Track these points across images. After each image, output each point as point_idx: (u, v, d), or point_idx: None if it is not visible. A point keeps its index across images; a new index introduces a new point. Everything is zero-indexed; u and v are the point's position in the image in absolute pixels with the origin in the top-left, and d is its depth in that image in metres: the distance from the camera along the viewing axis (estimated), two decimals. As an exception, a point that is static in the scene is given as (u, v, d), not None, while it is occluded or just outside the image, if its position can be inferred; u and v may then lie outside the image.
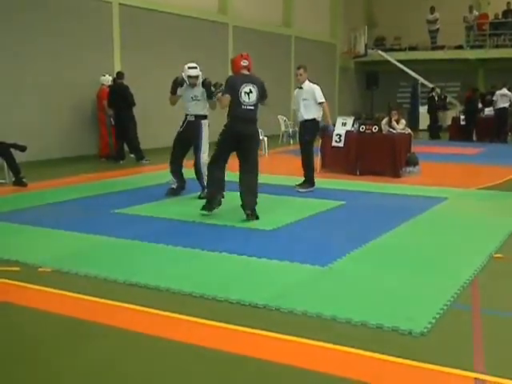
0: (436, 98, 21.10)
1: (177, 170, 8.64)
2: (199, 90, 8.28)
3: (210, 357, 3.42)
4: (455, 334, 3.76)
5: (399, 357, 3.36)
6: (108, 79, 13.06)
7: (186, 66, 8.32)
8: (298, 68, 9.34)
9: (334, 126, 9.52)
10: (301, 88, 9.22)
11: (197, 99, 8.32)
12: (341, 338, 3.62)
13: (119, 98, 12.54)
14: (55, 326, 3.89)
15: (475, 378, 3.14)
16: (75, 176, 10.46)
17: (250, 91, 7.07)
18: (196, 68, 8.26)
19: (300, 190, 8.98)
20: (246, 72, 7.22)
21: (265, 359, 3.37)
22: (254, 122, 7.21)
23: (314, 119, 9.10)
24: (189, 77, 8.23)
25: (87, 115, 13.30)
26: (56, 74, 12.48)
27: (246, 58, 7.30)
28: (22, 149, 9.69)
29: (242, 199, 7.06)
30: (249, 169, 7.12)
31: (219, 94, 7.54)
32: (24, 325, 3.96)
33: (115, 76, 12.93)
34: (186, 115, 8.45)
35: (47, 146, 12.34)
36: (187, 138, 8.40)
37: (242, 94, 7.01)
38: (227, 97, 7.03)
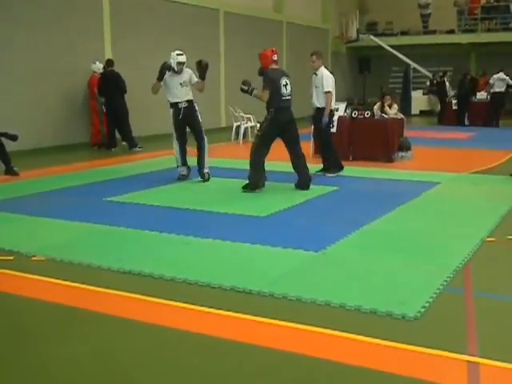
0: (433, 82, 21.05)
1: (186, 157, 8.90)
2: (186, 76, 8.53)
3: (204, 343, 3.43)
4: (448, 317, 3.78)
5: (393, 341, 3.38)
6: (99, 67, 12.97)
7: (175, 53, 8.52)
8: (311, 55, 9.31)
9: (333, 117, 9.53)
10: (315, 75, 9.24)
11: (185, 85, 8.52)
12: (335, 323, 3.64)
13: (110, 85, 12.47)
14: (49, 315, 3.89)
15: (468, 361, 3.16)
16: (67, 164, 10.42)
17: (286, 83, 7.80)
18: (183, 54, 8.54)
19: (328, 175, 9.13)
20: (275, 66, 7.88)
21: (259, 345, 3.39)
22: (291, 111, 7.93)
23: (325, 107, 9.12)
24: (178, 63, 8.43)
25: (78, 103, 13.21)
26: (46, 62, 12.38)
27: (276, 53, 7.91)
28: (13, 138, 9.62)
29: (301, 178, 7.99)
30: (299, 151, 8.01)
31: (255, 91, 7.91)
32: (18, 313, 3.95)
33: (105, 63, 12.85)
34: (177, 103, 8.50)
35: (39, 134, 12.26)
36: (184, 125, 8.64)
37: (282, 87, 7.71)
38: (267, 92, 7.64)
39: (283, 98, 7.74)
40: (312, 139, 11.25)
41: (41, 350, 3.37)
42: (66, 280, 4.45)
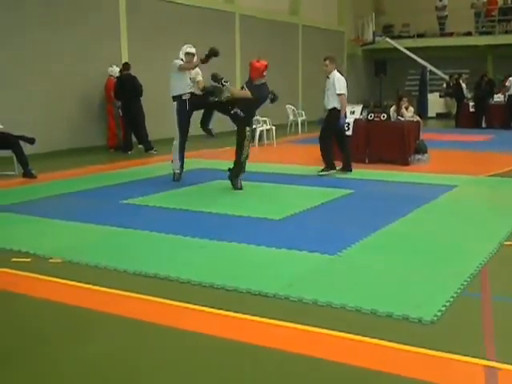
0: (450, 84, 20.91)
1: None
2: (194, 71, 8.79)
3: (219, 346, 3.43)
4: (465, 321, 3.75)
5: (409, 345, 3.36)
6: (116, 70, 13.05)
7: (185, 46, 8.80)
8: (324, 59, 9.61)
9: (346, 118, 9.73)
10: (328, 78, 9.50)
11: (193, 80, 8.81)
12: (351, 326, 3.62)
13: (127, 88, 12.54)
14: (66, 317, 3.91)
15: (485, 366, 3.13)
16: (84, 167, 10.48)
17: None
18: (193, 47, 8.82)
19: (319, 174, 9.37)
20: (263, 80, 8.12)
21: (275, 348, 3.38)
22: None
23: (335, 108, 9.37)
24: (187, 53, 8.69)
25: (95, 106, 13.31)
26: (63, 65, 12.48)
27: (267, 68, 8.10)
28: (31, 141, 9.72)
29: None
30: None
31: (228, 84, 8.18)
32: (35, 315, 3.98)
33: (122, 67, 12.92)
34: (181, 95, 8.65)
35: (55, 137, 12.36)
36: (190, 117, 8.87)
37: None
38: (247, 92, 8.00)
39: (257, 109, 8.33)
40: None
41: (57, 352, 3.38)
42: (82, 282, 4.48)
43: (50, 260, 5.06)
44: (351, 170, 9.61)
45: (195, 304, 4.01)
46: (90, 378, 3.09)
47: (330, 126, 9.50)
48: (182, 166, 8.94)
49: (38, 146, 10.13)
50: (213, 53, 8.51)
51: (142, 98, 12.82)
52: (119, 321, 3.81)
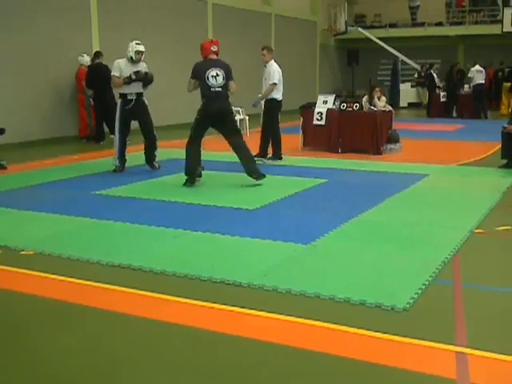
0: (421, 75, 21.09)
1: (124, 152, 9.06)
2: (142, 67, 8.64)
3: (195, 336, 3.43)
4: (437, 308, 3.80)
5: (382, 332, 3.40)
6: (87, 59, 12.89)
7: (133, 43, 8.61)
8: (262, 49, 9.88)
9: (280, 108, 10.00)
10: (265, 67, 9.77)
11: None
12: (324, 314, 3.65)
13: (99, 78, 12.38)
14: (39, 309, 3.88)
15: (457, 352, 3.19)
16: (55, 158, 10.36)
17: (217, 74, 7.67)
18: (142, 44, 8.66)
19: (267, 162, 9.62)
20: (214, 57, 7.82)
21: (249, 337, 3.39)
22: (226, 100, 7.82)
23: (273, 99, 9.67)
24: (137, 52, 8.54)
25: (66, 96, 13.13)
26: (33, 54, 12.28)
27: (215, 44, 7.91)
28: (0, 131, 9.56)
29: (246, 168, 7.82)
30: (239, 142, 7.89)
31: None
32: (7, 308, 3.93)
33: (93, 56, 12.77)
34: (126, 94, 8.58)
35: (26, 127, 12.18)
36: (131, 118, 8.80)
37: (209, 77, 7.62)
38: (192, 82, 7.77)
39: (211, 89, 7.63)
40: (301, 132, 11.27)
41: (31, 345, 3.35)
42: (55, 274, 4.43)
43: (22, 252, 5.00)
44: (281, 158, 9.80)
45: (170, 295, 4.00)
46: (68, 371, 3.07)
47: (272, 116, 9.73)
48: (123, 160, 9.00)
49: (8, 136, 9.98)
50: (139, 78, 8.52)
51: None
52: (93, 312, 3.78)
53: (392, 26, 25.06)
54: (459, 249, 4.99)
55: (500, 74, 21.03)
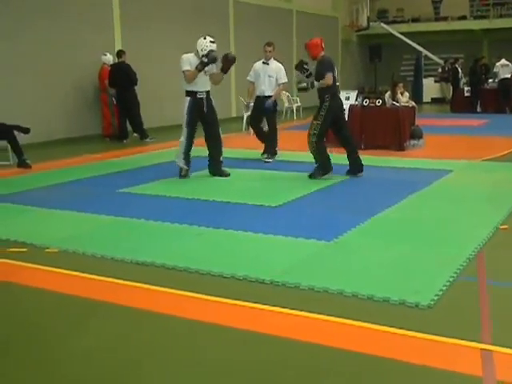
0: (445, 69, 20.91)
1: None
2: (210, 65, 8.01)
3: (218, 333, 3.44)
4: (462, 305, 3.77)
5: (406, 329, 3.37)
6: (109, 58, 12.98)
7: (207, 41, 7.88)
8: (269, 45, 9.63)
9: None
10: (267, 64, 9.56)
11: (207, 74, 8.08)
12: (348, 311, 3.64)
13: (121, 76, 12.48)
14: (64, 306, 3.92)
15: (482, 349, 3.16)
16: (79, 156, 10.45)
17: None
18: (215, 42, 7.99)
19: (267, 161, 9.39)
20: (323, 53, 7.91)
21: (273, 334, 3.39)
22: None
23: (271, 96, 9.58)
24: (211, 51, 7.86)
25: (89, 95, 13.26)
26: (56, 54, 12.41)
27: (323, 41, 8.01)
28: (26, 131, 9.68)
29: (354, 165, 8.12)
30: (347, 134, 8.19)
31: (316, 83, 7.84)
32: (32, 305, 3.98)
33: (116, 55, 12.86)
34: (195, 92, 8.00)
35: (50, 127, 12.32)
36: (199, 117, 8.16)
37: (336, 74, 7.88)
38: (330, 75, 7.70)
39: (337, 84, 7.95)
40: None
41: (56, 342, 3.39)
42: (79, 271, 4.48)
43: (47, 250, 5.06)
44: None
45: (193, 292, 4.02)
46: (90, 369, 3.10)
47: (274, 113, 9.67)
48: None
49: (32, 135, 10.10)
50: (233, 61, 8.07)
51: (137, 87, 12.75)
52: (118, 310, 3.81)
53: (415, 20, 24.85)
54: (484, 245, 4.94)
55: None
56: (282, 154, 9.73)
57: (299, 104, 17.59)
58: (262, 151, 9.65)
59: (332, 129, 8.11)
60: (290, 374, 2.99)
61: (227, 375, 2.98)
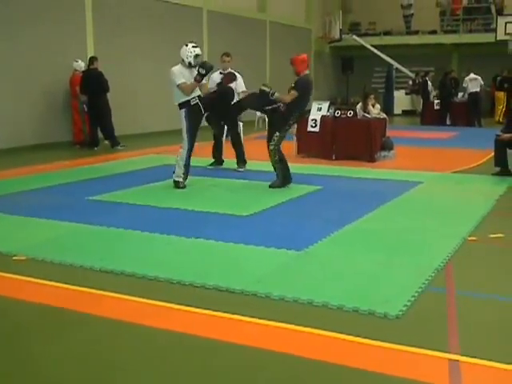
0: (416, 82, 21.19)
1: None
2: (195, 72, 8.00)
3: (188, 343, 3.42)
4: (430, 316, 3.81)
5: (375, 339, 3.40)
6: (81, 65, 12.88)
7: (190, 46, 7.95)
8: (227, 55, 9.67)
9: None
10: (224, 74, 9.57)
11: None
12: (318, 321, 3.65)
13: (93, 83, 12.39)
14: (31, 314, 3.86)
15: (449, 359, 3.19)
16: (49, 163, 10.33)
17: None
18: (198, 46, 8.10)
19: (238, 170, 9.50)
20: (307, 72, 8.06)
21: (242, 344, 3.38)
22: None
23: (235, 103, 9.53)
24: (196, 55, 7.92)
25: (60, 101, 13.12)
26: (27, 60, 12.27)
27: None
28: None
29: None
30: None
31: (276, 94, 7.90)
32: (0, 313, 3.92)
33: (88, 61, 12.76)
34: (188, 101, 7.93)
35: (20, 132, 12.16)
36: (200, 123, 8.25)
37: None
38: (295, 93, 7.81)
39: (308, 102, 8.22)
40: (295, 138, 11.28)
41: (25, 352, 3.33)
42: (47, 279, 4.42)
43: (14, 257, 4.98)
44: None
45: (163, 301, 3.99)
46: (62, 379, 3.05)
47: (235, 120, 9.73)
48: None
49: (1, 141, 9.96)
50: (208, 68, 7.96)
51: (108, 94, 12.66)
52: (86, 318, 3.76)
53: (386, 33, 25.15)
54: (452, 256, 5.00)
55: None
56: (254, 164, 9.74)
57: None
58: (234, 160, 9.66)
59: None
60: (259, 381, 2.97)
61: (191, 382, 2.96)
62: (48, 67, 12.70)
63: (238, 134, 9.78)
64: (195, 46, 7.95)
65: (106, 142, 13.02)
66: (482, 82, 18.52)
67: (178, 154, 8.09)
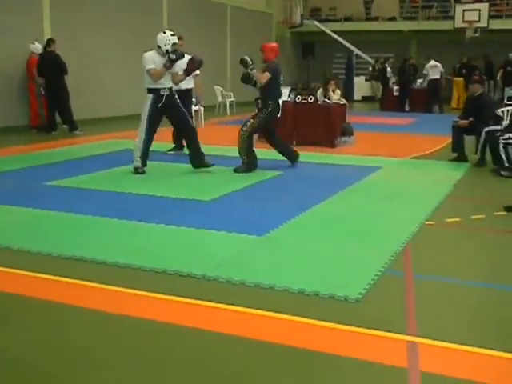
0: (375, 68, 21.37)
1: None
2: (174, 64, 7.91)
3: (148, 328, 3.40)
4: (389, 299, 3.87)
5: (335, 323, 3.44)
6: (38, 47, 12.58)
7: (167, 34, 7.81)
8: (180, 38, 9.12)
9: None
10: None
11: (169, 73, 7.93)
12: (279, 306, 3.67)
13: (50, 66, 12.13)
14: (-13, 302, 3.79)
15: (408, 341, 3.25)
16: (4, 148, 10.11)
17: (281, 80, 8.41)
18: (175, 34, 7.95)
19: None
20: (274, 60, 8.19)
21: (203, 329, 3.38)
22: None
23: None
24: (174, 44, 7.81)
25: (16, 84, 12.80)
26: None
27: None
28: None
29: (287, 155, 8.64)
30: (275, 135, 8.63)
31: (254, 71, 7.99)
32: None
33: (45, 43, 12.48)
34: (158, 89, 7.77)
35: (-26, 116, 11.86)
36: (162, 115, 8.00)
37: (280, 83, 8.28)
38: (267, 75, 7.96)
39: (281, 92, 8.35)
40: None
41: (-22, 338, 3.27)
42: (2, 266, 4.33)
43: (-30, 244, 4.87)
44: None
45: (123, 287, 3.96)
46: (12, 364, 3.01)
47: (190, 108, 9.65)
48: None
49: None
50: (199, 65, 8.01)
51: (66, 77, 12.42)
52: (43, 305, 3.71)
53: (347, 19, 25.28)
54: (410, 240, 5.08)
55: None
56: (215, 149, 9.71)
57: (233, 99, 17.61)
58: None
59: (263, 131, 8.45)
60: (220, 367, 2.99)
61: (156, 368, 2.95)
62: (4, 50, 12.37)
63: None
64: (173, 35, 7.86)
65: (64, 126, 12.79)
66: (443, 69, 18.80)
67: (135, 141, 7.98)
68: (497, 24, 21.45)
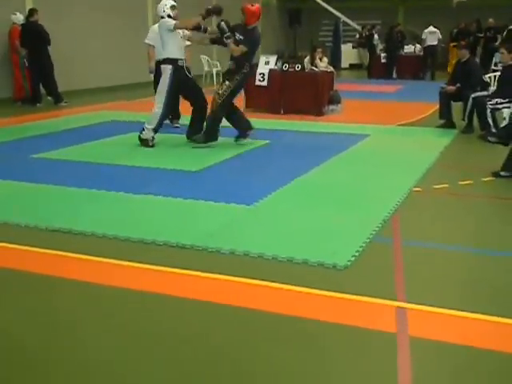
0: (363, 36, 21.24)
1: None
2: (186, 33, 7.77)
3: (138, 299, 3.41)
4: (377, 266, 3.89)
5: (324, 290, 3.46)
6: (20, 18, 12.33)
7: (165, 1, 7.60)
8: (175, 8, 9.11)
9: None
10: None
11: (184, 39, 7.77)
12: (268, 274, 3.68)
13: (33, 37, 11.91)
14: (-25, 276, 3.77)
15: (396, 307, 3.28)
16: (-11, 120, 9.99)
17: None
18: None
19: (175, 126, 9.14)
20: (256, 25, 7.72)
21: (195, 299, 3.39)
22: None
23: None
24: (173, 7, 7.57)
25: (-1, 56, 12.61)
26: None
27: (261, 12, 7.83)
28: None
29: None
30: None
31: (230, 40, 7.52)
32: None
33: (27, 14, 12.24)
34: (176, 60, 7.48)
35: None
36: (180, 89, 7.79)
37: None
38: (244, 47, 7.49)
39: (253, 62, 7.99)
40: (243, 93, 11.18)
41: (-33, 312, 3.27)
42: (-9, 240, 4.31)
43: (-44, 218, 4.83)
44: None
45: (112, 258, 3.95)
46: (5, 339, 3.01)
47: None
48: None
49: None
50: (216, 10, 7.67)
51: (49, 47, 12.21)
52: (32, 277, 3.70)
53: (333, -15, 24.96)
54: (398, 207, 5.10)
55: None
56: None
57: (219, 68, 17.42)
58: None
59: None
60: (209, 336, 3.00)
61: (139, 340, 2.96)
62: (-16, 20, 12.14)
63: None
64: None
65: (49, 98, 12.63)
66: (441, 36, 18.65)
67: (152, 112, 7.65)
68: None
